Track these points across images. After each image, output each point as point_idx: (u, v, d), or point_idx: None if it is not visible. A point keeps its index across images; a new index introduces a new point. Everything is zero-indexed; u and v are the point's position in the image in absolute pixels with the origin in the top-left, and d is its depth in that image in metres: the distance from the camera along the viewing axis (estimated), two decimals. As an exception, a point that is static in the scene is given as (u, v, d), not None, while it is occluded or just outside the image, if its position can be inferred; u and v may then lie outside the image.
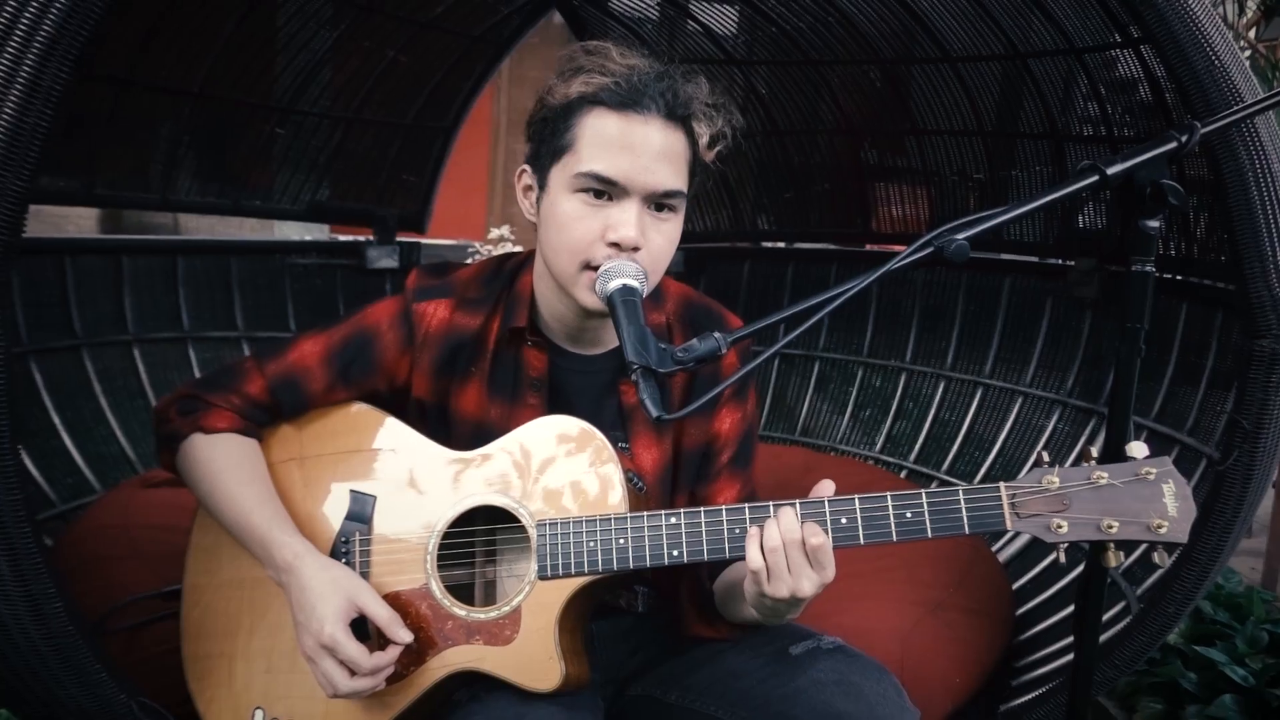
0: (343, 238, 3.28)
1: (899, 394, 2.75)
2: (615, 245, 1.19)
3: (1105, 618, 1.76)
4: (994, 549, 2.31)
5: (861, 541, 1.13)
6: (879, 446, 2.72)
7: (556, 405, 1.32)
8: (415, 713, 1.23)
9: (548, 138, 1.23)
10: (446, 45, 2.65)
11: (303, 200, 2.71)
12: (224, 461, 1.29)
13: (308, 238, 3.50)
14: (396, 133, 2.76)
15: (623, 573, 1.18)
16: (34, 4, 1.04)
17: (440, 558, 1.25)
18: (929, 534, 1.12)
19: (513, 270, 1.37)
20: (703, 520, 1.16)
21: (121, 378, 2.34)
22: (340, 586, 1.20)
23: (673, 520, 1.16)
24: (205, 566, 1.34)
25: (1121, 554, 1.12)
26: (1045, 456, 1.15)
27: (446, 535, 1.25)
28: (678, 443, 1.35)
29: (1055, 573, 2.14)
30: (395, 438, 1.31)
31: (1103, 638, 1.67)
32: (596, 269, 1.20)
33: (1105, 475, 1.11)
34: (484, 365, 1.33)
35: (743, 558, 1.14)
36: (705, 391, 1.31)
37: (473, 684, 1.23)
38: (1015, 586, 2.17)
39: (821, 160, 2.81)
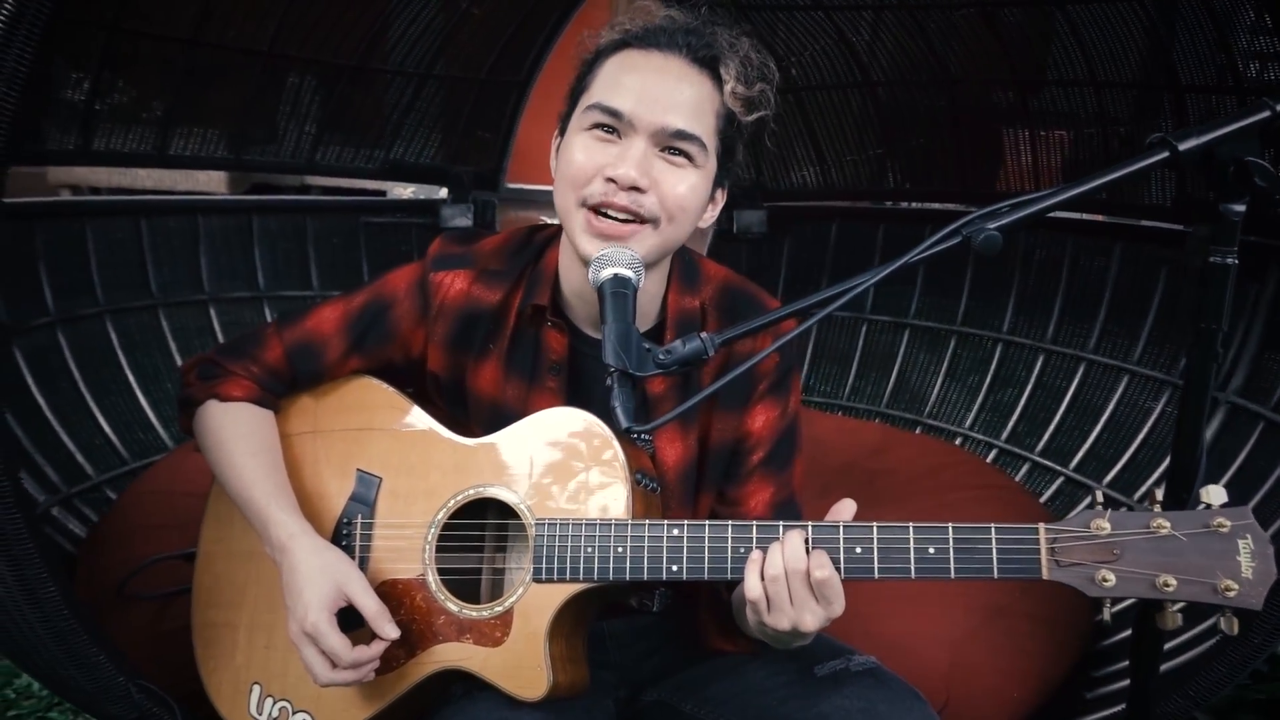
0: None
1: (993, 367, 2.57)
2: (612, 181, 1.10)
3: (1188, 636, 1.59)
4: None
5: (875, 576, 1.02)
6: (970, 423, 2.55)
7: (575, 390, 1.24)
8: (407, 703, 1.19)
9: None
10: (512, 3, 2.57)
11: (376, 158, 2.69)
12: (234, 430, 1.26)
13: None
14: (470, 88, 2.70)
15: (619, 583, 1.10)
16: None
17: (444, 547, 1.20)
18: (951, 574, 1.00)
19: (541, 244, 1.28)
20: (706, 536, 1.06)
21: (198, 336, 2.38)
22: (330, 573, 1.15)
23: (675, 533, 1.07)
24: (218, 534, 1.33)
25: (1180, 616, 0.97)
26: (1099, 497, 1.00)
27: (450, 524, 1.20)
28: (704, 438, 1.25)
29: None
30: (408, 418, 1.26)
31: (1175, 663, 1.51)
32: (592, 209, 1.11)
33: (1167, 524, 0.95)
34: (503, 343, 1.26)
35: None
36: (737, 385, 1.21)
37: (468, 678, 1.18)
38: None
39: (919, 114, 2.61)
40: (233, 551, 1.29)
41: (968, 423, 2.55)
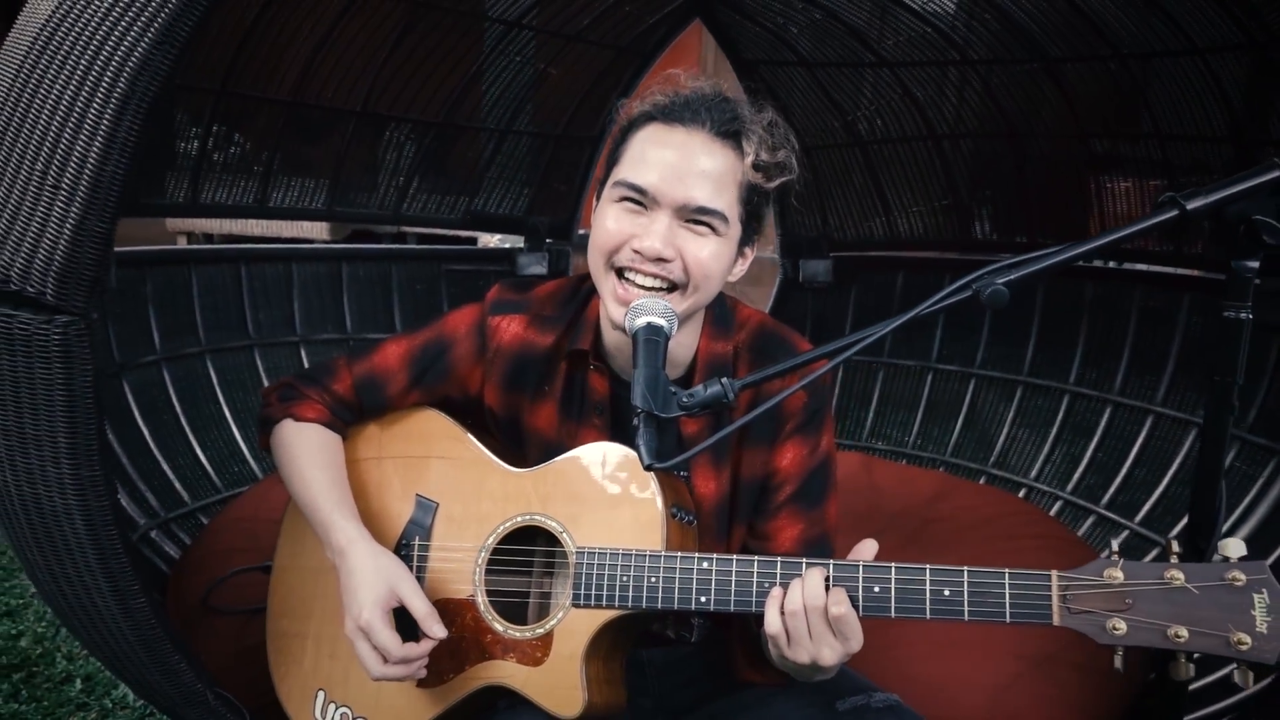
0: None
1: (1060, 417, 2.56)
2: (639, 253, 1.18)
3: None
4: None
5: (892, 615, 1.07)
6: (1035, 473, 2.54)
7: (618, 428, 1.33)
8: (455, 716, 1.28)
9: (609, 154, 1.25)
10: (594, 57, 2.70)
11: (460, 208, 2.84)
12: (304, 447, 1.39)
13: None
14: (547, 143, 2.84)
15: (651, 611, 1.17)
16: (111, 67, 1.15)
17: (494, 570, 1.29)
18: (965, 617, 1.04)
19: (587, 293, 1.38)
20: (734, 570, 1.13)
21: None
22: (384, 575, 1.26)
23: (705, 565, 1.14)
24: (291, 550, 1.45)
25: (1192, 667, 0.99)
26: (1115, 546, 1.03)
27: (499, 549, 1.29)
28: (735, 474, 1.32)
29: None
30: (464, 448, 1.37)
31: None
32: (620, 273, 1.20)
33: (1181, 576, 0.98)
34: (557, 385, 1.36)
35: None
36: (766, 423, 1.29)
37: (512, 694, 1.26)
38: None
39: (984, 166, 2.64)
40: (303, 567, 1.40)
41: (1033, 473, 2.54)
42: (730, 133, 1.19)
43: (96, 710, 2.17)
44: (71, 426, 1.23)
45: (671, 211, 1.18)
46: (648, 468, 1.04)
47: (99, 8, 1.19)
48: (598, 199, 1.28)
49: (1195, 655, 1.00)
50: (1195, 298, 2.35)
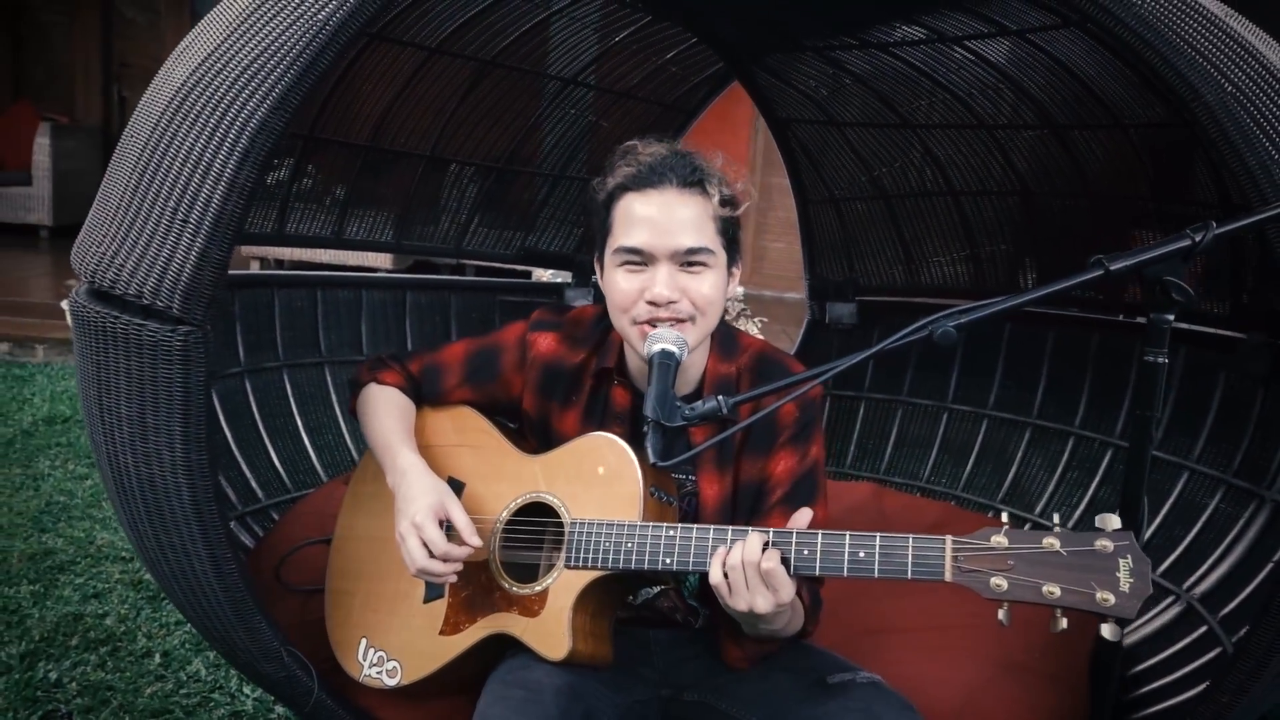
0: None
1: (1064, 458, 2.72)
2: (653, 304, 1.42)
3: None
4: (1133, 626, 2.27)
5: (816, 572, 1.29)
6: (1040, 508, 2.71)
7: (635, 436, 1.56)
8: (468, 660, 1.52)
9: (597, 228, 1.49)
10: (642, 112, 2.95)
11: (514, 245, 3.10)
12: (382, 401, 1.68)
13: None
14: (597, 188, 3.09)
15: (628, 571, 1.40)
16: (235, 126, 1.42)
17: (510, 537, 1.54)
18: (875, 574, 1.25)
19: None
20: (693, 536, 1.36)
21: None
22: (437, 492, 1.51)
23: (670, 533, 1.37)
24: (349, 521, 1.73)
25: (1065, 620, 1.18)
26: (1004, 518, 1.23)
27: (513, 521, 1.54)
28: (736, 478, 1.55)
29: (1188, 653, 2.08)
30: (488, 438, 1.64)
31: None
32: (643, 324, 1.44)
33: (1056, 543, 1.18)
34: (582, 397, 1.61)
35: None
36: (762, 434, 1.51)
37: (517, 644, 1.50)
38: (1151, 663, 2.13)
39: (1000, 222, 2.83)
40: (358, 536, 1.67)
41: (1038, 509, 2.70)
42: (694, 181, 1.44)
43: (172, 682, 2.43)
44: (186, 417, 1.48)
45: (668, 260, 1.42)
46: (654, 466, 1.27)
47: (227, 77, 1.46)
48: (600, 267, 1.52)
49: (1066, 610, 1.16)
50: (1189, 351, 2.51)
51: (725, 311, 1.60)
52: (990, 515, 2.76)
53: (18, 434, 4.11)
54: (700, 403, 1.31)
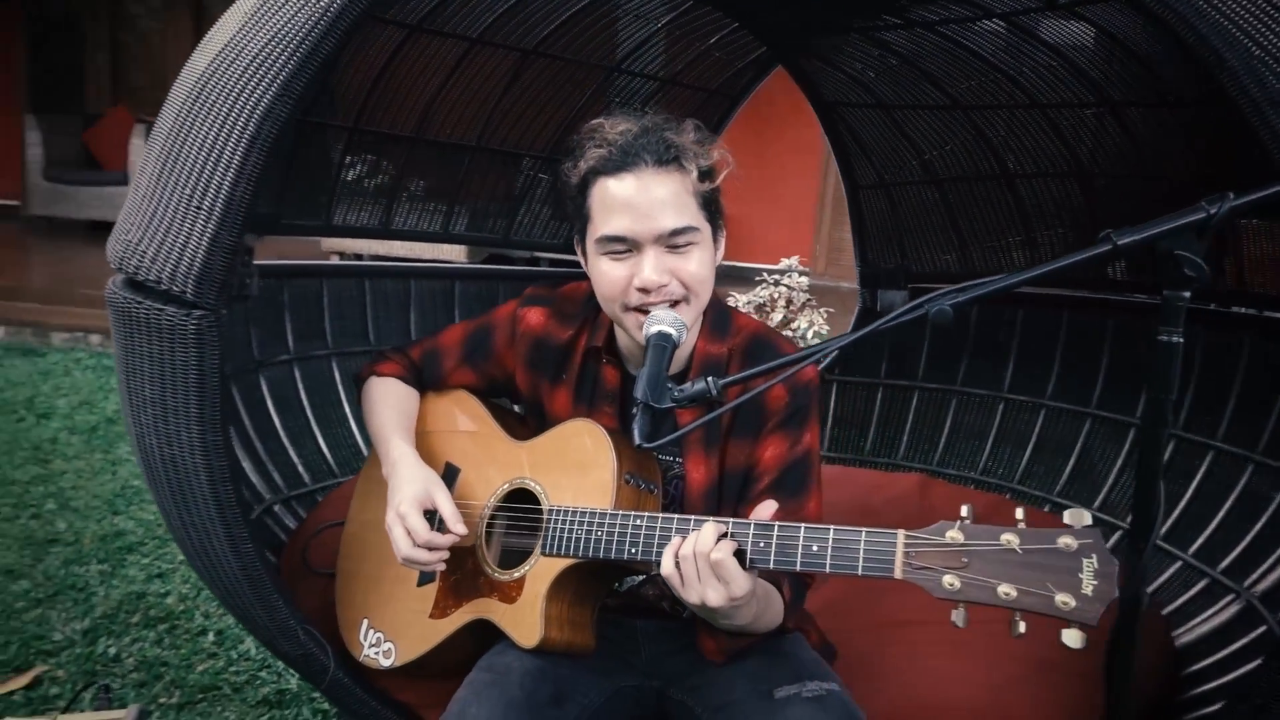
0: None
1: (1125, 451, 2.61)
2: (643, 290, 1.40)
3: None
4: (1189, 625, 2.17)
5: (771, 565, 1.25)
6: (1099, 503, 2.60)
7: (625, 415, 1.55)
8: (456, 643, 1.53)
9: (573, 214, 1.47)
10: (688, 99, 2.92)
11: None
12: (380, 392, 1.70)
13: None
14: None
15: (596, 560, 1.38)
16: (244, 114, 1.45)
17: (497, 524, 1.55)
18: (827, 569, 1.20)
19: None
20: (657, 526, 1.33)
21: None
22: (424, 481, 1.53)
23: (636, 522, 1.35)
24: (359, 506, 1.77)
25: (1023, 625, 1.10)
26: (964, 511, 1.16)
27: (501, 507, 1.55)
28: (722, 463, 1.51)
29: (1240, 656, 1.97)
30: (482, 424, 1.65)
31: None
32: (636, 309, 1.42)
33: (1015, 540, 1.10)
34: (572, 375, 1.60)
35: None
36: (750, 418, 1.48)
37: (496, 629, 1.50)
38: (1209, 661, 2.03)
39: (1057, 205, 2.73)
40: (365, 521, 1.70)
41: (1097, 503, 2.59)
42: (670, 159, 1.39)
43: (224, 660, 2.51)
44: (201, 399, 1.53)
45: (653, 244, 1.39)
46: (638, 448, 1.26)
47: (238, 67, 1.50)
48: (582, 253, 1.49)
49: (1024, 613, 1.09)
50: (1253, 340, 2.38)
51: (721, 293, 1.57)
52: (1047, 509, 2.67)
53: (102, 421, 4.30)
54: (690, 384, 1.29)
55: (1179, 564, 2.34)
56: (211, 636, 2.61)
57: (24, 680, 2.36)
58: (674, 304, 1.40)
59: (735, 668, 1.47)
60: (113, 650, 2.52)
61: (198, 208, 1.49)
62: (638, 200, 1.38)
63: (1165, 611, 2.21)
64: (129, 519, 3.32)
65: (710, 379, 1.29)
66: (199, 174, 1.49)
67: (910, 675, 1.76)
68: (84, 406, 4.48)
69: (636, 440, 1.26)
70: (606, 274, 1.43)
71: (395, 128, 2.71)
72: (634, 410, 1.29)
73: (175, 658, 2.51)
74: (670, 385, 1.30)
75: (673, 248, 1.41)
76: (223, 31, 1.62)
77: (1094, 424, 2.68)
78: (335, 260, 6.49)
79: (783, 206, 8.26)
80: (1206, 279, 1.15)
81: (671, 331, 1.37)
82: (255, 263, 2.23)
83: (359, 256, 6.49)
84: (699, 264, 1.42)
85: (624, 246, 1.41)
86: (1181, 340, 1.20)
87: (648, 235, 1.39)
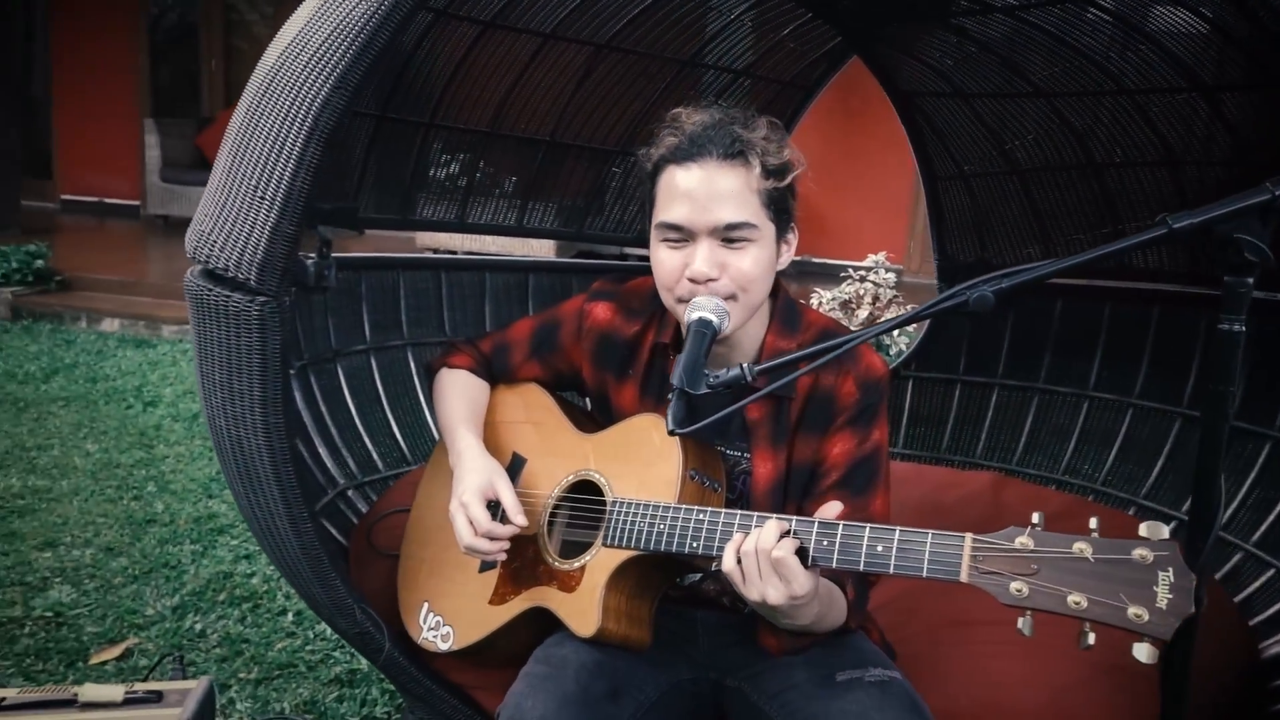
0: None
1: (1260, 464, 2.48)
2: (692, 280, 1.39)
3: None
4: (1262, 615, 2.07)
5: (834, 564, 1.22)
6: (1187, 507, 2.49)
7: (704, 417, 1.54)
8: (513, 630, 1.55)
9: (645, 199, 1.47)
10: (760, 90, 2.90)
11: (634, 229, 3.12)
12: (450, 383, 1.73)
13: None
14: (716, 169, 3.06)
15: (657, 553, 1.38)
16: (304, 106, 1.50)
17: (560, 514, 1.56)
18: (891, 570, 1.18)
19: None
20: (719, 522, 1.32)
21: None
22: (488, 472, 1.55)
23: (699, 517, 1.34)
24: (426, 491, 1.80)
25: (1092, 636, 1.06)
26: (1035, 518, 1.13)
27: (566, 498, 1.56)
28: (790, 457, 1.50)
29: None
30: (549, 415, 1.66)
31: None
32: (686, 301, 1.41)
33: (1088, 549, 1.07)
34: (639, 370, 1.60)
35: None
36: (819, 414, 1.46)
37: (554, 618, 1.51)
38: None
39: (1146, 195, 2.61)
40: (432, 505, 1.73)
41: (1185, 507, 2.48)
42: (735, 153, 1.38)
43: (301, 639, 2.60)
44: (264, 383, 1.58)
45: (708, 236, 1.39)
46: (671, 433, 1.26)
47: (302, 60, 1.55)
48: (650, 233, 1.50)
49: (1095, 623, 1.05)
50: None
51: (780, 286, 1.55)
52: (1132, 511, 2.57)
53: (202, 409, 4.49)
54: (724, 370, 1.28)
55: (1241, 554, 2.24)
56: (291, 616, 2.71)
57: (116, 651, 2.49)
58: (725, 300, 1.40)
59: (795, 655, 1.47)
60: (199, 626, 2.64)
61: (261, 197, 1.55)
62: (698, 191, 1.39)
63: (1237, 600, 2.11)
64: (222, 502, 3.46)
65: (745, 364, 1.28)
66: (263, 165, 1.55)
67: (970, 675, 1.72)
68: (187, 395, 4.69)
69: (670, 426, 1.26)
70: (663, 262, 1.45)
71: (470, 123, 2.76)
72: (669, 396, 1.29)
73: (256, 635, 2.61)
74: (707, 372, 1.29)
75: (727, 241, 1.40)
76: (291, 27, 1.67)
77: (1183, 424, 2.56)
78: (428, 254, 6.65)
79: (875, 202, 8.12)
80: (1273, 265, 1.09)
81: (712, 318, 1.37)
82: (334, 255, 2.33)
83: (452, 253, 6.64)
84: (753, 262, 1.40)
85: (680, 235, 1.42)
86: (1244, 329, 1.14)
87: (703, 226, 1.39)
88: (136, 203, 9.52)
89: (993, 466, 2.82)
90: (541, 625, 1.53)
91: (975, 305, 1.18)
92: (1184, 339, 2.59)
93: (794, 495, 1.50)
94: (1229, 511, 2.29)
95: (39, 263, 6.58)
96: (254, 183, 1.56)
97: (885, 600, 1.92)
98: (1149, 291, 2.69)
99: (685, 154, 1.40)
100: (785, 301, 1.54)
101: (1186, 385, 2.59)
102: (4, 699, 1.72)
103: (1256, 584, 2.19)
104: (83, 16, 9.85)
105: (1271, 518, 2.22)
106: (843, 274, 5.00)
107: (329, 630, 2.63)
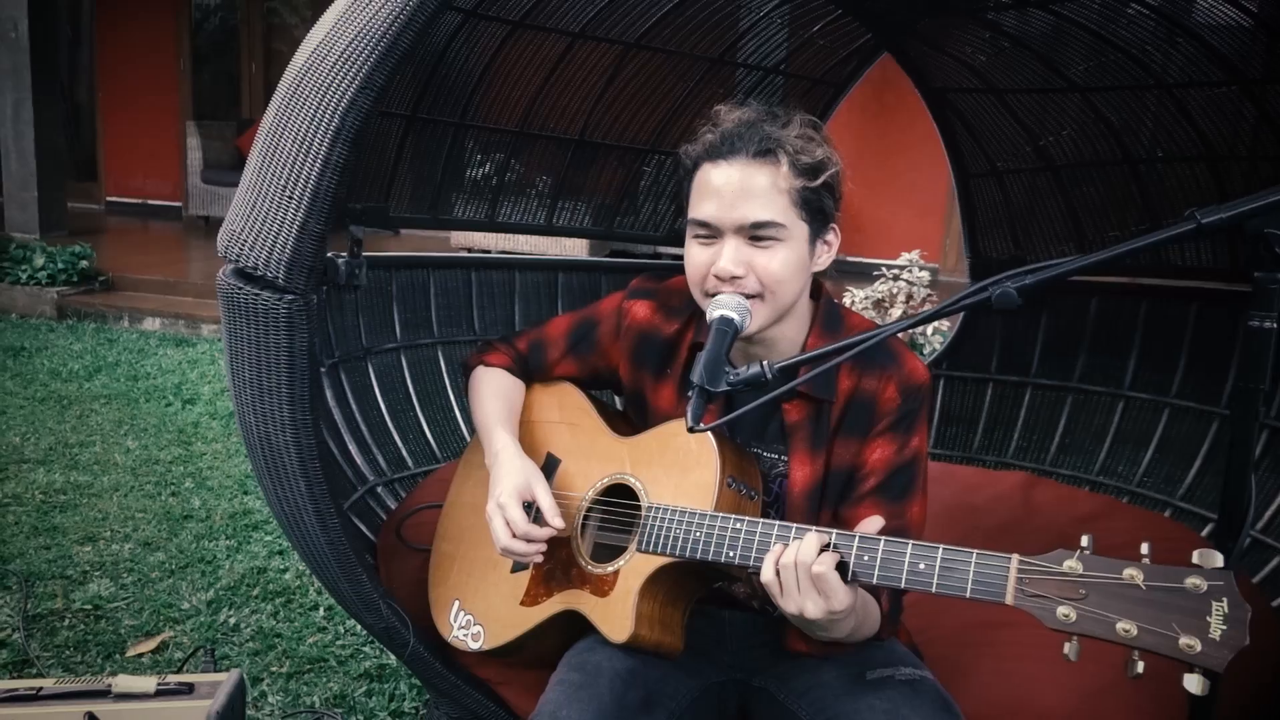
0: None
1: (1255, 455, 2.43)
2: (718, 277, 1.39)
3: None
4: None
5: (874, 580, 1.21)
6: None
7: (729, 411, 1.54)
8: (544, 631, 1.54)
9: (684, 197, 1.47)
10: (791, 87, 2.89)
11: (665, 227, 3.12)
12: (486, 382, 1.72)
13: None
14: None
15: (693, 560, 1.37)
16: (330, 106, 1.52)
17: (594, 517, 1.55)
18: (934, 589, 1.16)
19: None
20: (758, 531, 1.31)
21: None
22: (525, 473, 1.54)
23: (737, 526, 1.33)
24: (459, 488, 1.80)
25: (1141, 664, 1.03)
26: (1085, 541, 1.10)
27: (599, 500, 1.55)
28: (828, 462, 1.49)
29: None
30: (585, 417, 1.65)
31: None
32: (713, 297, 1.41)
33: (1139, 576, 1.04)
34: (677, 370, 1.60)
35: None
36: (859, 418, 1.45)
37: (585, 621, 1.50)
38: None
39: (1185, 191, 2.57)
40: (465, 503, 1.74)
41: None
42: (766, 151, 1.37)
43: (332, 634, 2.63)
44: (291, 379, 1.60)
45: (736, 234, 1.38)
46: (690, 430, 1.25)
47: (329, 61, 1.56)
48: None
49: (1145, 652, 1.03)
50: None
51: (823, 288, 1.54)
52: (1168, 513, 2.52)
53: (239, 407, 4.56)
54: (745, 367, 1.27)
55: (1277, 559, 2.19)
56: (322, 612, 2.74)
57: (152, 644, 2.53)
58: (750, 298, 1.39)
59: (814, 657, 1.46)
60: (233, 620, 2.68)
61: (289, 197, 1.56)
62: (727, 188, 1.38)
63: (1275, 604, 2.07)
64: (256, 499, 3.51)
65: (765, 362, 1.27)
66: (291, 165, 1.57)
67: (998, 677, 1.70)
68: (225, 394, 4.76)
69: (689, 423, 1.26)
70: (693, 258, 1.44)
71: (501, 122, 2.77)
72: (689, 393, 1.29)
73: (289, 630, 2.64)
74: (728, 370, 1.29)
75: (755, 240, 1.39)
76: (319, 30, 1.69)
77: (1221, 424, 2.52)
78: (463, 253, 6.70)
79: (909, 199, 8.05)
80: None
81: (734, 316, 1.36)
82: (366, 254, 2.36)
83: (485, 253, 6.68)
84: (781, 263, 1.39)
85: (709, 232, 1.41)
86: (1275, 326, 1.12)
87: (730, 224, 1.39)
88: (179, 204, 9.69)
89: (1025, 466, 2.79)
90: (572, 627, 1.53)
91: (998, 302, 1.16)
92: (1222, 337, 2.54)
93: (830, 500, 1.48)
94: (1268, 514, 2.24)
95: (84, 263, 6.72)
96: (282, 182, 1.58)
97: (911, 601, 1.89)
98: (1187, 289, 2.65)
99: (718, 152, 1.41)
100: (828, 305, 1.53)
101: (1225, 385, 2.54)
102: (41, 689, 1.76)
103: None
104: (127, 23, 10.04)
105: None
106: (876, 273, 4.96)
107: (359, 626, 2.66)
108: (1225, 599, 1.01)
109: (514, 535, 1.48)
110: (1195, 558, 1.04)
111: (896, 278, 4.86)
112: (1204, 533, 2.38)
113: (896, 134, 7.37)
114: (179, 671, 1.97)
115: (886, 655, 1.44)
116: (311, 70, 1.59)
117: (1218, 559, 1.03)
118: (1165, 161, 2.56)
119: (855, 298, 4.87)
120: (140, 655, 2.49)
